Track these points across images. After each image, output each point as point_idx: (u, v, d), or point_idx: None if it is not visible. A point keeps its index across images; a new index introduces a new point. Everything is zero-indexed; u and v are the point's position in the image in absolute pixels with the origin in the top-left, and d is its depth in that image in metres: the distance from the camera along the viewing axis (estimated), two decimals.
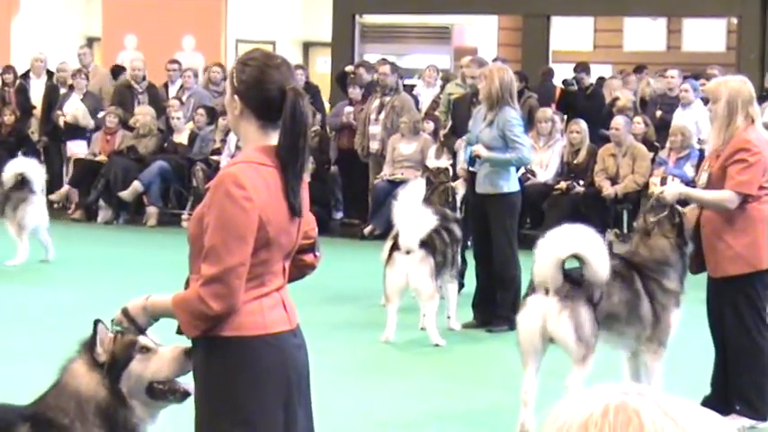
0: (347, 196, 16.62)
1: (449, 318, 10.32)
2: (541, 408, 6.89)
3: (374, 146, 15.73)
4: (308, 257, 4.34)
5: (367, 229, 15.36)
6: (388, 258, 9.83)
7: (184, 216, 16.21)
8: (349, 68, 17.10)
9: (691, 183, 10.93)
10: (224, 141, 16.37)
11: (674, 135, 14.25)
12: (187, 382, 4.27)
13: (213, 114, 16.98)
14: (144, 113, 17.14)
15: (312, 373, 4.22)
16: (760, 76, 15.73)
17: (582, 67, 17.15)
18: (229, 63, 18.95)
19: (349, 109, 16.28)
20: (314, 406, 4.25)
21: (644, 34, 23.73)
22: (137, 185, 16.57)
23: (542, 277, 7.06)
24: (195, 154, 16.76)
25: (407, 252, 9.71)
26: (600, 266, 6.97)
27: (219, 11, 21.09)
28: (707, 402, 6.99)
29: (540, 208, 14.36)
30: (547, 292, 7.07)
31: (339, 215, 16.77)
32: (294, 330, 4.13)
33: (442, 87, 16.19)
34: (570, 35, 22.67)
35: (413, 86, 17.80)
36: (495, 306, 10.29)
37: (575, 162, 15.02)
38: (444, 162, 13.50)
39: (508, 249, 10.24)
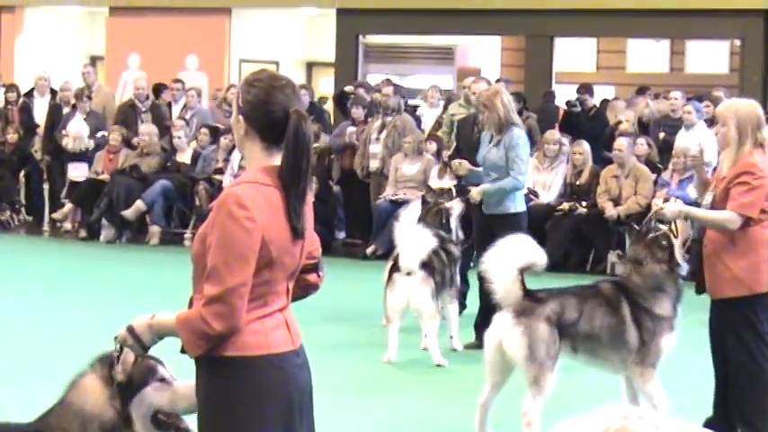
0: (349, 216, 16.63)
1: (451, 338, 10.32)
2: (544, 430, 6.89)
3: (374, 164, 15.74)
4: (312, 277, 4.33)
5: (369, 249, 15.36)
6: (388, 280, 9.84)
7: (187, 235, 16.22)
8: (348, 88, 17.13)
9: (693, 204, 10.92)
10: (227, 161, 16.39)
11: (677, 156, 14.26)
12: (191, 420, 4.29)
13: (216, 134, 17.00)
14: (147, 132, 17.16)
15: (314, 392, 4.22)
16: (763, 98, 15.74)
17: (585, 89, 17.17)
18: (232, 82, 19.01)
19: (352, 129, 16.29)
20: (316, 426, 4.24)
21: (647, 56, 23.74)
22: (139, 204, 16.58)
23: (500, 294, 7.25)
24: (198, 173, 16.77)
25: (408, 273, 9.71)
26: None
27: (223, 30, 21.11)
28: (709, 425, 6.97)
29: (542, 229, 14.35)
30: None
31: (341, 235, 16.78)
32: (297, 350, 4.12)
33: (445, 108, 16.22)
34: (573, 56, 22.69)
35: (416, 107, 17.82)
36: None
37: (577, 183, 15.03)
38: (447, 182, 13.50)
39: None
